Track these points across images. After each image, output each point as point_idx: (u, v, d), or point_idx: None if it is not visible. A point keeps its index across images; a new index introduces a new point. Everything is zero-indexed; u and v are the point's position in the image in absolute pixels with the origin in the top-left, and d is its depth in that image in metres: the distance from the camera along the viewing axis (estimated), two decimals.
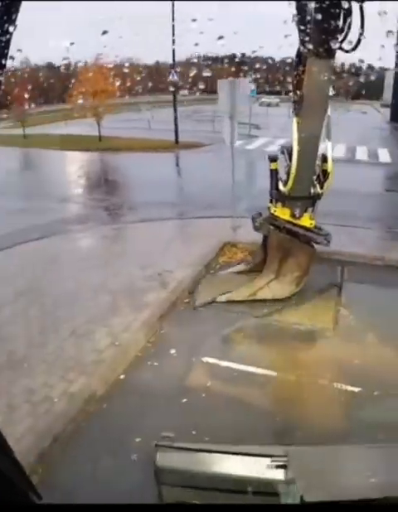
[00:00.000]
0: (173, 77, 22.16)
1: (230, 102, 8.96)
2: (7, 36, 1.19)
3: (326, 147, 6.62)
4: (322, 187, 6.72)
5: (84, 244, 10.03)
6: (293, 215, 6.90)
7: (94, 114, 23.63)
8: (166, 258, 8.30)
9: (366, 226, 10.06)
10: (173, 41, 21.60)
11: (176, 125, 22.37)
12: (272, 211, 7.11)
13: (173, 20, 20.65)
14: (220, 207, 10.50)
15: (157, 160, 19.58)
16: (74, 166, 19.96)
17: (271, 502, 2.03)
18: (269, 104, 41.85)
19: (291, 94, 6.19)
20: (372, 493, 1.73)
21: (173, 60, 22.89)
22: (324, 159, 6.64)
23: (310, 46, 5.05)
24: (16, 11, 1.19)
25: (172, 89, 24.11)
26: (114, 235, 10.42)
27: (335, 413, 4.78)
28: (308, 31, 4.88)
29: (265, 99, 43.34)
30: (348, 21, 4.64)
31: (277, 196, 6.99)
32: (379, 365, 5.37)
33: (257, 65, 22.90)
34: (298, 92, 5.86)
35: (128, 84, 30.09)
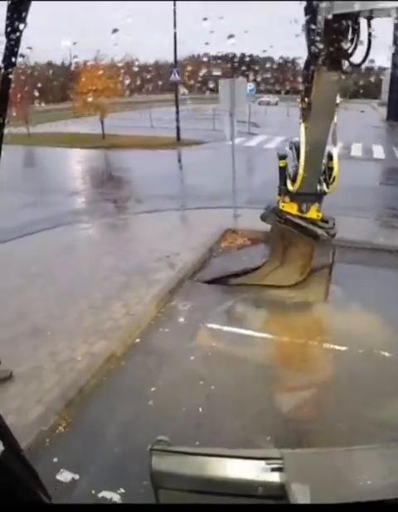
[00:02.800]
0: (175, 76, 22.79)
1: (230, 100, 9.67)
2: (18, 34, 1.19)
3: (332, 150, 6.84)
4: (327, 186, 6.98)
5: (94, 233, 10.70)
6: (300, 210, 7.16)
7: (98, 112, 24.25)
8: (173, 243, 9.00)
9: (360, 216, 10.74)
10: (175, 40, 22.32)
11: (177, 123, 23.05)
12: (280, 206, 7.34)
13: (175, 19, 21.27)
14: (222, 199, 11.26)
15: (160, 156, 20.27)
16: (79, 163, 20.67)
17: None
18: (268, 103, 42.64)
19: (298, 100, 6.34)
20: (369, 496, 1.70)
21: (175, 59, 23.55)
22: (330, 157, 6.86)
23: (319, 60, 5.27)
24: (27, 8, 1.19)
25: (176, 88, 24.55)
26: (123, 224, 11.12)
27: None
28: (317, 43, 5.09)
29: (265, 98, 44.06)
30: (357, 35, 4.85)
31: (285, 192, 7.20)
32: (362, 329, 6.09)
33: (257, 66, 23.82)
34: (306, 99, 5.98)
35: (129, 82, 30.75)
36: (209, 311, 6.71)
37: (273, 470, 2.02)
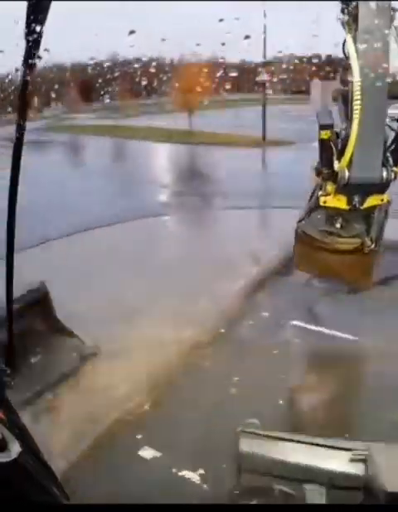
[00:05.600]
0: (263, 76, 22.73)
1: (321, 101, 9.70)
2: (35, 36, 1.19)
3: None
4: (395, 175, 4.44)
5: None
6: (351, 204, 4.64)
7: (187, 109, 24.79)
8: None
9: None
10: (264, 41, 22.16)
11: (264, 122, 22.87)
12: (321, 202, 4.73)
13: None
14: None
15: (248, 154, 20.17)
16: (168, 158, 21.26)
17: (349, 496, 2.14)
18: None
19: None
20: None
21: (264, 58, 23.43)
22: None
23: None
24: (45, 11, 1.19)
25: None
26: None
27: None
28: None
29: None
30: None
31: (328, 176, 4.62)
32: None
33: None
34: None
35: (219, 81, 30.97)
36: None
37: (357, 462, 2.16)
